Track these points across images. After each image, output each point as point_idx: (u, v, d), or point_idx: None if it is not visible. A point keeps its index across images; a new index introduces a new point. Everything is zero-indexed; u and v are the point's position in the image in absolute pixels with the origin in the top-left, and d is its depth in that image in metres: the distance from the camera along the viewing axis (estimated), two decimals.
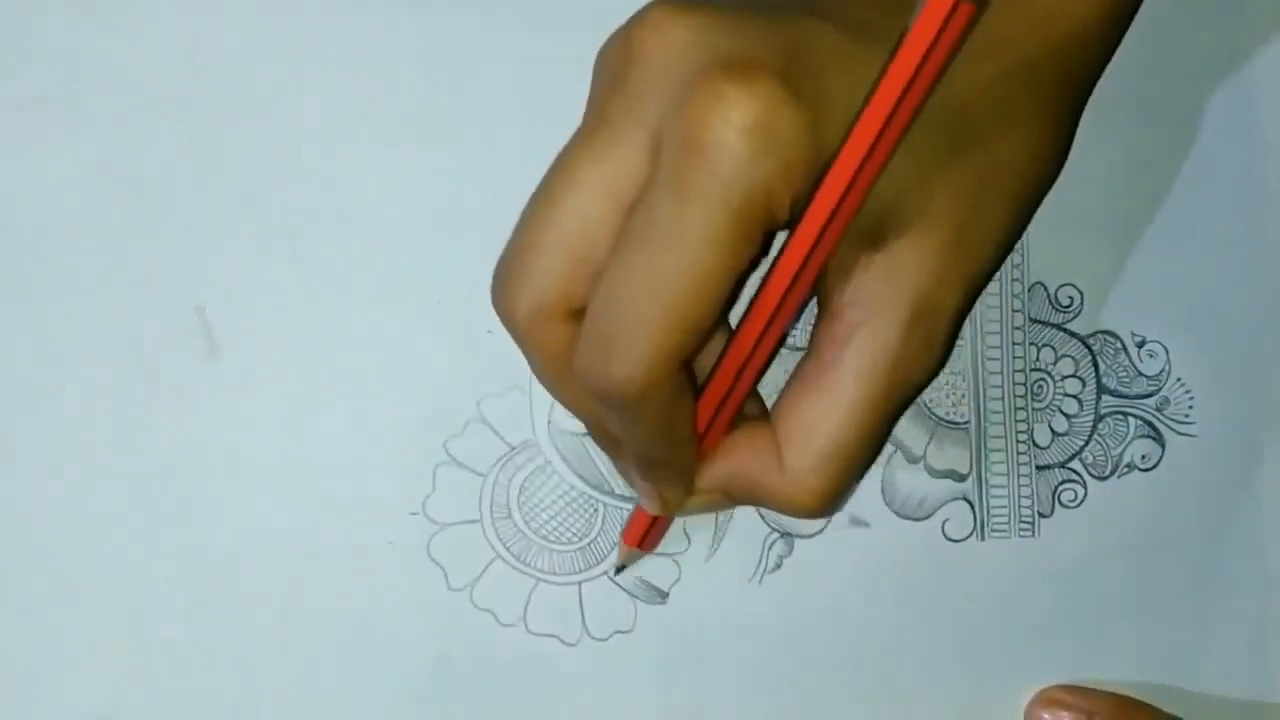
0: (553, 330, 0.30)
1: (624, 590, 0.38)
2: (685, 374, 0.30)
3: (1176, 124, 0.41)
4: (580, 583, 0.38)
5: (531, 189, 0.38)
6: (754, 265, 0.29)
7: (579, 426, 0.38)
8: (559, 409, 0.38)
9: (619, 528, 0.38)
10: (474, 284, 0.38)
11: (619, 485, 0.39)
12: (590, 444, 0.38)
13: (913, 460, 0.40)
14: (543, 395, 0.38)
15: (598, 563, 0.38)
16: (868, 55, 0.28)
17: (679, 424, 0.31)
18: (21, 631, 0.37)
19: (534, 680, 0.38)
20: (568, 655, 0.38)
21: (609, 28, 0.39)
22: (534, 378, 0.36)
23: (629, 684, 0.38)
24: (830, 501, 0.32)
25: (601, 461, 0.39)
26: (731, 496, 0.34)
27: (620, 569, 0.38)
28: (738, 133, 0.27)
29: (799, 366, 0.32)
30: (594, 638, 0.38)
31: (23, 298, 0.37)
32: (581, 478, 0.38)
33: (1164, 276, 0.41)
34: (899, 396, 0.31)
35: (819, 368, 0.32)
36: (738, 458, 0.33)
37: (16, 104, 0.37)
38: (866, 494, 0.39)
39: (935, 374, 0.32)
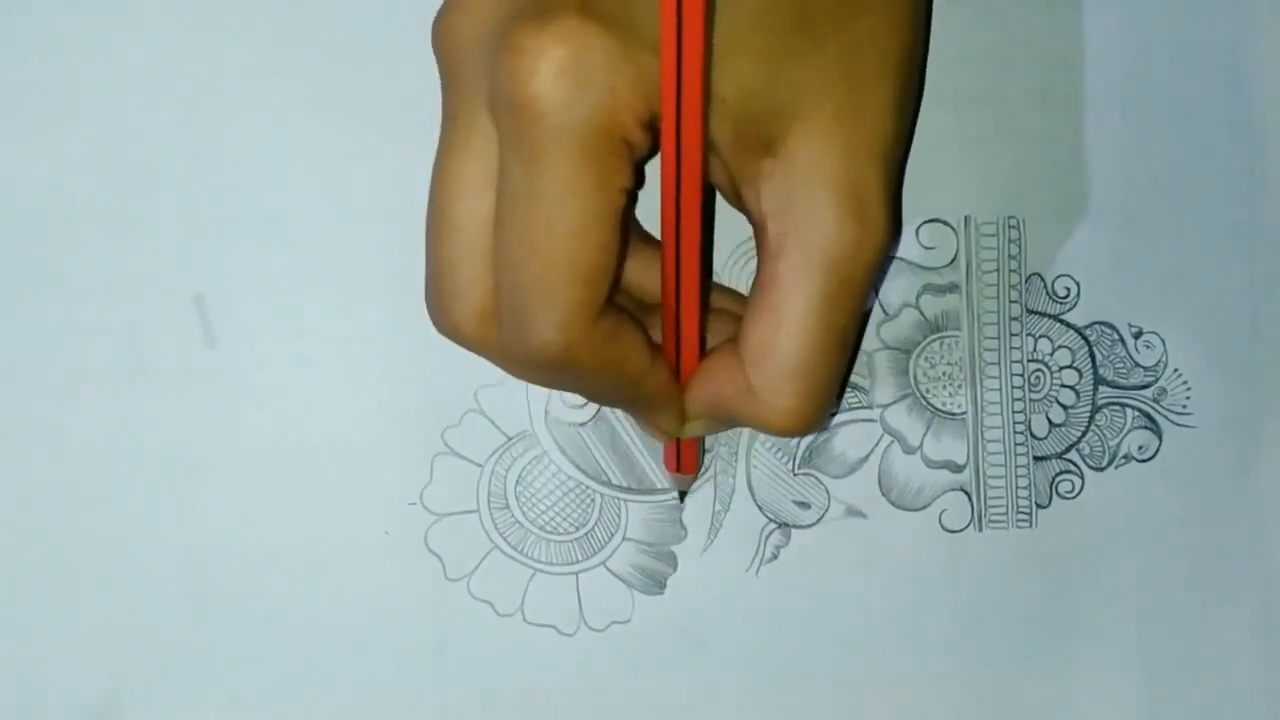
0: (475, 334, 0.32)
1: (621, 581, 0.38)
2: (613, 316, 0.30)
3: (1173, 114, 0.41)
4: (578, 573, 0.38)
5: None
6: (632, 194, 0.29)
7: (576, 417, 0.39)
8: (556, 399, 0.38)
9: (617, 518, 0.38)
10: None
11: (616, 475, 0.39)
12: (587, 434, 0.38)
13: (909, 451, 0.40)
14: (539, 387, 0.38)
15: (595, 553, 0.38)
16: None
17: (628, 362, 0.31)
18: (19, 621, 0.37)
19: (531, 670, 0.38)
20: (565, 645, 0.38)
21: None
22: None
23: (627, 674, 0.38)
24: (808, 418, 0.32)
25: (599, 452, 0.39)
26: (720, 420, 0.34)
27: (682, 495, 0.38)
28: (552, 79, 0.27)
29: (751, 290, 0.32)
30: (591, 628, 0.38)
31: (19, 287, 0.37)
32: (579, 468, 0.38)
33: (1161, 267, 0.41)
34: (845, 291, 0.31)
35: (760, 286, 0.31)
36: (712, 384, 0.33)
37: (13, 93, 0.37)
38: (863, 484, 0.39)
39: (879, 253, 0.31)
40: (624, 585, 0.38)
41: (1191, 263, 0.41)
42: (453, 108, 0.30)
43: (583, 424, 0.39)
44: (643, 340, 0.32)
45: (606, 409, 0.38)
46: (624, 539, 0.39)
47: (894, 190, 0.32)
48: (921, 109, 0.40)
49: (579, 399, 0.39)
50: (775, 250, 0.31)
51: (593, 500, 0.39)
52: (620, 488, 0.39)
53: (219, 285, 0.37)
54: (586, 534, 0.38)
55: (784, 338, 0.31)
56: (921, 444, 0.40)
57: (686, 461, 0.37)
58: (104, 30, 0.38)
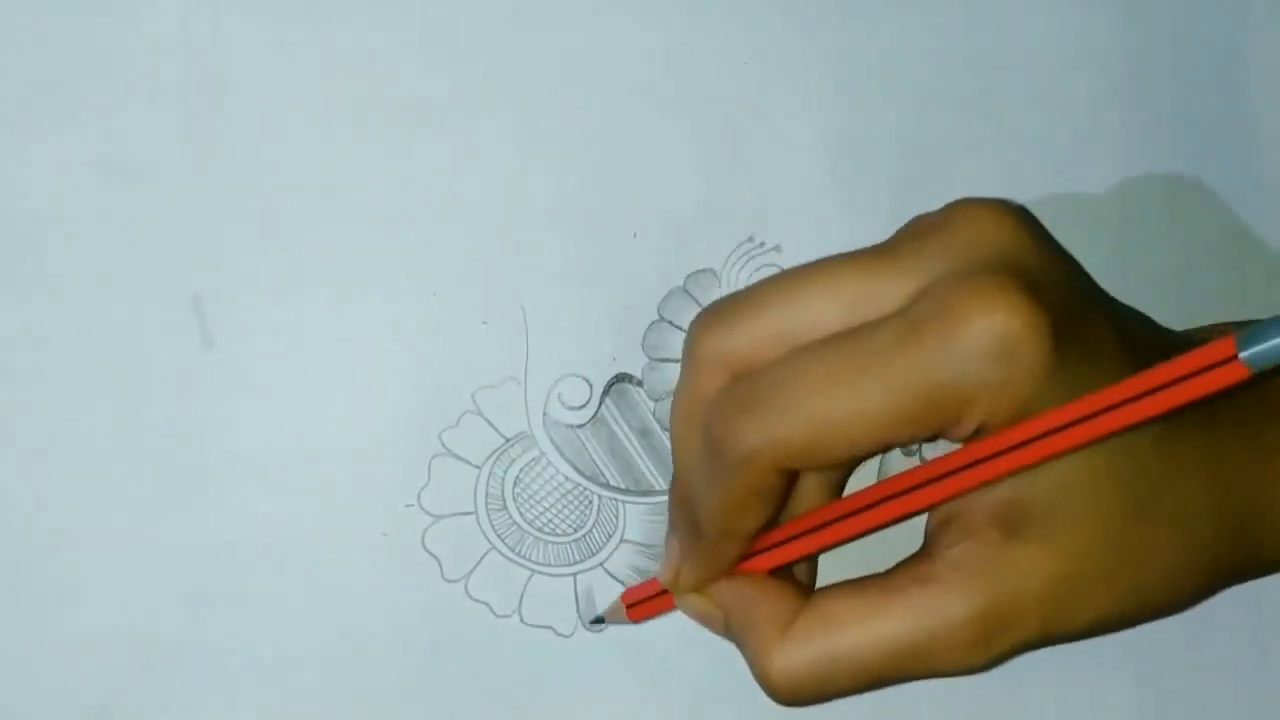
0: (716, 374, 0.31)
1: (619, 582, 0.38)
2: (783, 489, 0.30)
3: (1171, 115, 0.41)
4: (575, 574, 0.38)
5: (527, 181, 0.39)
6: (907, 444, 0.29)
7: (574, 419, 0.39)
8: (554, 401, 0.38)
9: (614, 519, 0.38)
10: (469, 275, 0.38)
11: (614, 477, 0.39)
12: (585, 436, 0.38)
13: (909, 452, 0.40)
14: (538, 387, 0.38)
15: (593, 554, 0.38)
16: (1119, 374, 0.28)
17: (746, 518, 0.31)
18: (17, 623, 0.37)
19: (529, 672, 0.38)
20: (563, 647, 0.38)
21: (604, 20, 0.39)
22: (528, 370, 0.36)
23: (624, 676, 0.38)
24: (796, 690, 0.31)
25: (597, 454, 0.39)
26: (726, 622, 0.33)
27: (598, 621, 0.38)
28: (992, 328, 0.27)
29: (879, 574, 0.32)
30: (589, 630, 0.38)
31: (17, 288, 0.37)
32: (576, 469, 0.38)
33: (1159, 267, 0.40)
34: (917, 667, 0.31)
35: (886, 585, 0.31)
36: (758, 594, 0.32)
37: (11, 94, 0.37)
38: (863, 485, 0.39)
39: (957, 673, 0.31)
40: (622, 587, 0.38)
41: (1189, 264, 0.41)
42: (900, 248, 0.30)
43: (580, 426, 0.38)
44: (763, 525, 0.32)
45: (605, 410, 0.38)
46: (622, 540, 0.38)
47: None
48: (920, 108, 0.40)
49: (577, 400, 0.38)
50: (918, 579, 0.30)
51: (590, 502, 0.39)
52: (618, 489, 0.39)
53: (216, 286, 0.37)
54: (584, 535, 0.38)
55: (861, 632, 0.30)
56: (920, 446, 0.40)
57: (645, 611, 0.36)
58: (104, 30, 0.37)
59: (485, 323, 0.38)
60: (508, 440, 0.38)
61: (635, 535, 0.38)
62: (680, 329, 0.39)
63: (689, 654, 0.39)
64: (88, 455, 0.37)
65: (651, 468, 0.39)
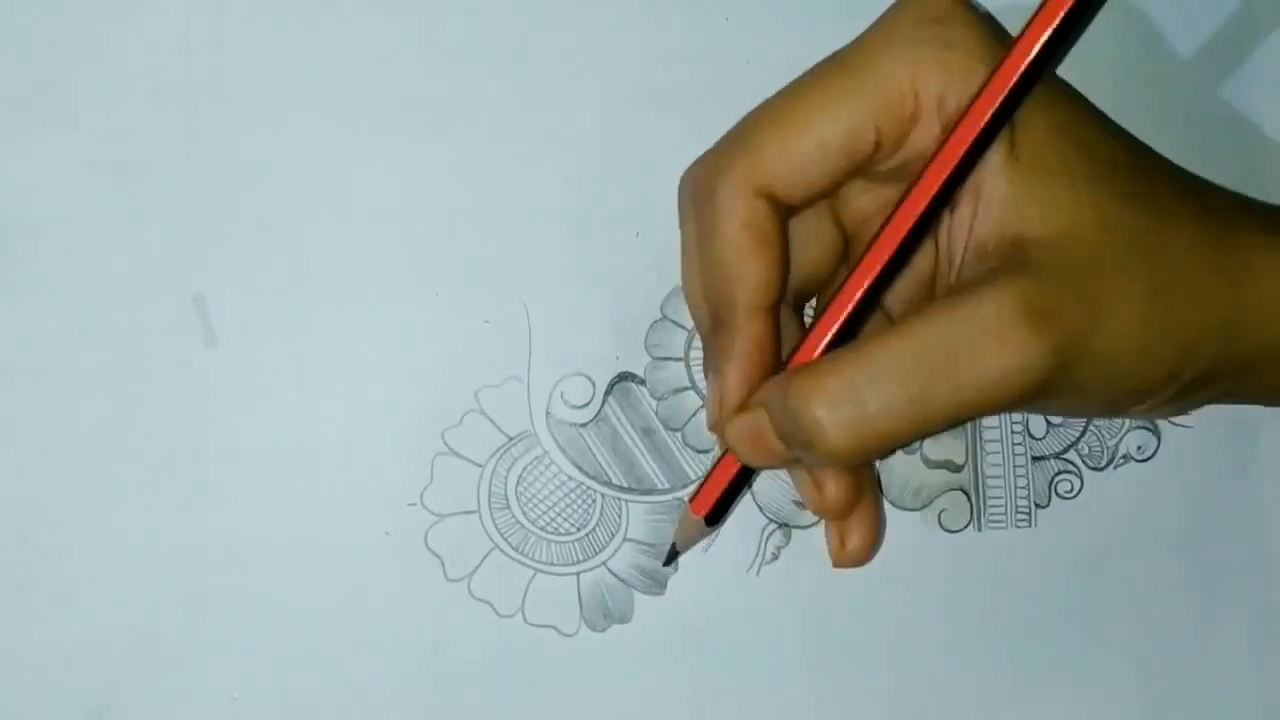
0: (758, 205, 0.32)
1: (622, 581, 0.38)
2: (776, 228, 0.32)
3: (1175, 115, 0.41)
4: (578, 574, 0.38)
5: (530, 181, 0.39)
6: (874, 151, 0.32)
7: (577, 417, 0.39)
8: (556, 399, 0.38)
9: (617, 518, 0.38)
10: (472, 274, 0.38)
11: (617, 476, 0.39)
12: (588, 435, 0.38)
13: (909, 451, 0.40)
14: (541, 385, 0.38)
15: (596, 553, 0.38)
16: None
17: (754, 263, 0.32)
18: (17, 623, 0.37)
19: (532, 671, 0.38)
20: (566, 646, 0.38)
21: (605, 20, 0.39)
22: (531, 369, 0.36)
23: (627, 675, 0.38)
24: (853, 431, 0.30)
25: (600, 452, 0.39)
26: (776, 424, 0.32)
27: (673, 557, 0.37)
28: (922, 11, 0.31)
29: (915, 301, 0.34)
30: (592, 629, 0.38)
31: (20, 287, 0.37)
32: (580, 468, 0.38)
33: None
34: (970, 372, 0.29)
35: (914, 312, 0.31)
36: (788, 374, 0.31)
37: (13, 93, 0.37)
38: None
39: (1016, 381, 0.30)
40: (625, 586, 0.38)
41: None
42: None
43: (584, 424, 0.38)
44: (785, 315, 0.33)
45: (607, 409, 0.38)
46: (625, 539, 0.38)
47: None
48: None
49: (580, 399, 0.38)
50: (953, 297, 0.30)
51: (594, 501, 0.39)
52: (621, 488, 0.39)
53: (218, 285, 0.37)
54: (587, 534, 0.38)
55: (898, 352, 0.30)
56: (920, 444, 0.40)
57: (704, 500, 0.34)
58: (104, 30, 0.37)
59: (488, 322, 0.38)
60: (511, 439, 0.38)
61: (638, 534, 0.38)
62: (683, 327, 0.39)
63: (690, 654, 0.39)
64: (89, 455, 0.37)
65: (654, 466, 0.39)
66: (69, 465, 0.37)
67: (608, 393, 0.39)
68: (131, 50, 0.37)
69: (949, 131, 0.31)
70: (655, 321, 0.39)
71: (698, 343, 0.39)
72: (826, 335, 0.32)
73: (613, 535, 0.38)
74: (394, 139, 0.38)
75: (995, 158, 0.31)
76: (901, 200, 0.31)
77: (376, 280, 0.38)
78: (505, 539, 0.38)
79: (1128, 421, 0.41)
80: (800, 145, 0.31)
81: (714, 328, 0.33)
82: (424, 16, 0.39)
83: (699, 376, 0.39)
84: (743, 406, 0.33)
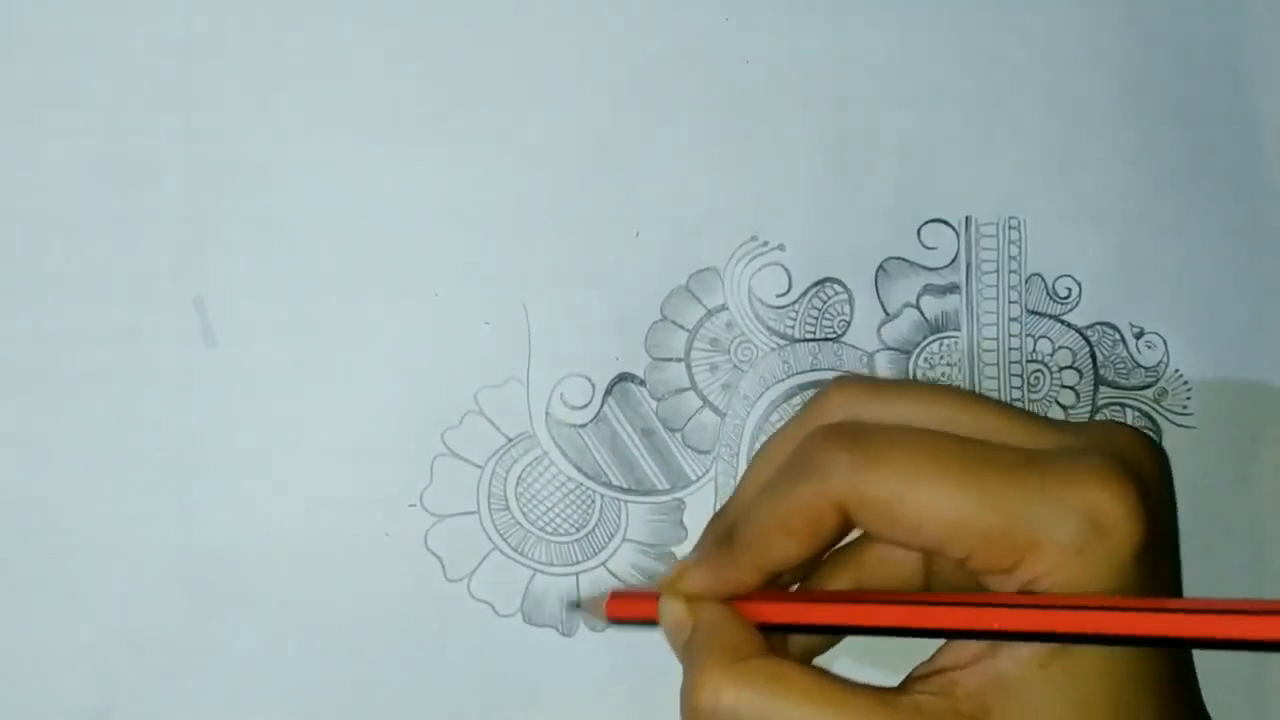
0: (835, 418, 0.30)
1: (622, 581, 0.38)
2: (828, 536, 0.29)
3: (1174, 115, 0.41)
4: (578, 574, 0.38)
5: (529, 182, 0.39)
6: (956, 568, 0.29)
7: (576, 419, 0.39)
8: (556, 400, 0.38)
9: (616, 519, 0.38)
10: (470, 276, 0.38)
11: (616, 477, 0.39)
12: (588, 436, 0.38)
13: None
14: (540, 386, 0.38)
15: (595, 554, 0.38)
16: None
17: (783, 541, 0.30)
18: (18, 623, 0.37)
19: (531, 672, 0.38)
20: (565, 647, 0.38)
21: (606, 21, 0.39)
22: (531, 370, 0.36)
23: (626, 676, 0.38)
24: (713, 707, 0.30)
25: (599, 453, 0.39)
26: (690, 639, 0.32)
27: (575, 606, 0.37)
28: (1099, 502, 0.28)
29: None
30: (591, 629, 0.38)
31: (20, 287, 0.37)
32: (579, 469, 0.38)
33: (1162, 267, 0.41)
34: None
35: (850, 687, 0.30)
36: (734, 626, 0.31)
37: (14, 94, 0.37)
38: None
39: None
40: (624, 586, 0.38)
41: (1193, 264, 0.41)
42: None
43: (583, 425, 0.38)
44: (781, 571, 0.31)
45: (607, 410, 0.38)
46: (624, 540, 0.39)
47: None
48: (923, 108, 0.40)
49: (579, 399, 0.39)
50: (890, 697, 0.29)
51: (593, 501, 0.39)
52: (620, 489, 0.39)
53: (219, 287, 0.37)
54: (587, 535, 0.38)
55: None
56: None
57: (618, 607, 0.33)
58: (105, 31, 0.37)
59: (487, 323, 0.38)
60: (510, 440, 0.38)
61: (637, 535, 0.38)
62: (683, 328, 0.39)
63: None
64: (90, 455, 0.37)
65: (654, 467, 0.39)
66: (69, 465, 0.37)
67: (607, 393, 0.39)
68: (132, 51, 0.37)
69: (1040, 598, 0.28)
70: (655, 322, 0.39)
71: (698, 343, 0.39)
72: (785, 620, 0.31)
73: (612, 536, 0.38)
74: (394, 140, 0.38)
75: (1035, 653, 0.29)
76: (951, 599, 0.29)
77: (376, 281, 0.38)
78: (505, 540, 0.38)
79: (1130, 422, 0.40)
80: (903, 519, 0.29)
81: (733, 532, 0.32)
82: (424, 18, 0.39)
83: (699, 377, 0.39)
84: (695, 598, 0.32)
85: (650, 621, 0.32)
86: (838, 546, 0.30)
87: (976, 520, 0.28)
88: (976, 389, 0.40)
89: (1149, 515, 0.28)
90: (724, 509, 0.32)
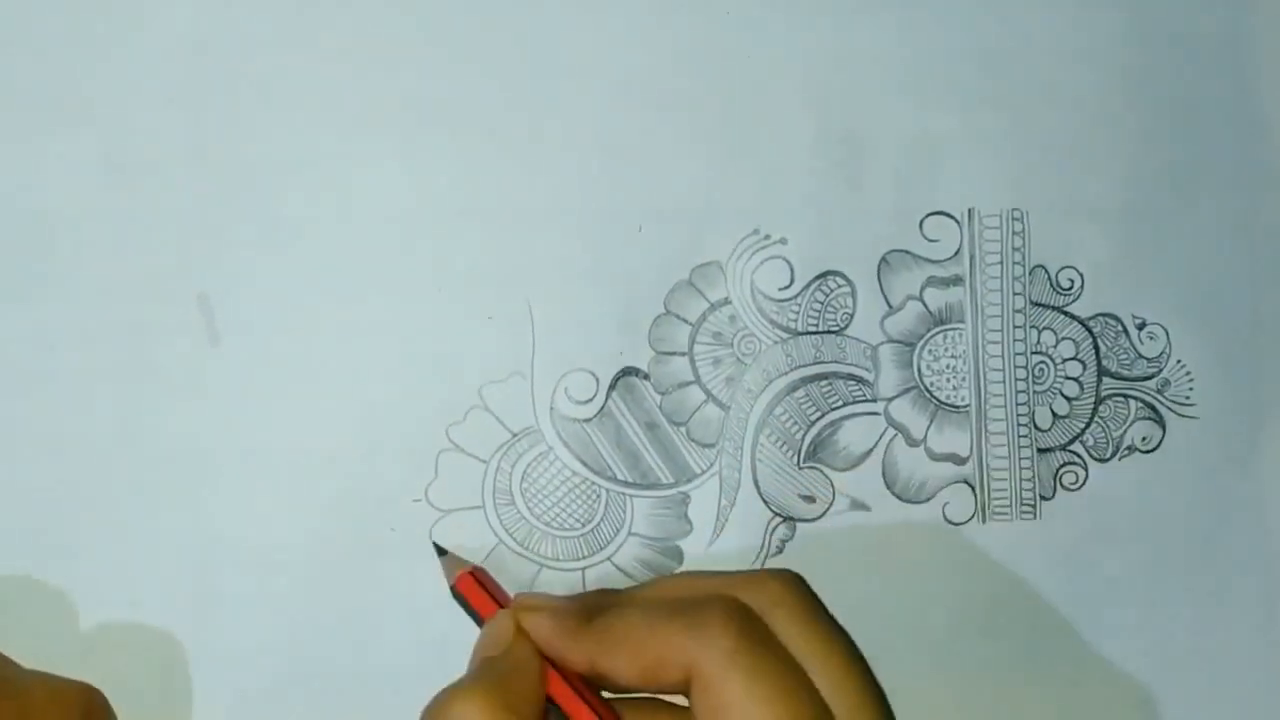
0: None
1: (628, 576, 0.38)
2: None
3: (1176, 107, 0.41)
4: (584, 569, 0.38)
5: (533, 177, 0.39)
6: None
7: (581, 413, 0.39)
8: (560, 395, 0.38)
9: (621, 513, 0.39)
10: (474, 271, 0.38)
11: (621, 471, 0.39)
12: (592, 430, 0.38)
13: (913, 444, 0.40)
14: (544, 381, 0.38)
15: (601, 548, 0.38)
16: None
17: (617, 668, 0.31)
18: (19, 623, 0.37)
19: None
20: None
21: (608, 17, 0.39)
22: (535, 365, 0.36)
23: None
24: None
25: (604, 447, 0.39)
26: (488, 656, 0.33)
27: (442, 551, 0.36)
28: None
29: None
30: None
31: (25, 286, 0.37)
32: (584, 464, 0.39)
33: (1164, 258, 0.41)
34: None
35: None
36: (530, 668, 0.32)
37: (22, 93, 0.37)
38: (867, 478, 0.39)
39: None
40: (630, 580, 0.38)
41: (1196, 255, 0.41)
42: None
43: (588, 420, 0.39)
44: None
45: (611, 404, 0.39)
46: (629, 534, 0.39)
47: None
48: (926, 103, 0.40)
49: (583, 394, 0.39)
50: None
51: (598, 496, 0.39)
52: (625, 483, 0.39)
53: (222, 284, 0.37)
54: (592, 529, 0.39)
55: None
56: (925, 437, 0.40)
57: (467, 584, 0.34)
58: (106, 30, 0.37)
59: (491, 318, 0.38)
60: (515, 435, 0.38)
61: (643, 529, 0.39)
62: (686, 322, 0.39)
63: None
64: (94, 453, 0.37)
65: (659, 461, 0.39)
66: (74, 463, 0.37)
67: (611, 387, 0.39)
68: (139, 50, 0.37)
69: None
70: (659, 316, 0.39)
71: (701, 337, 0.39)
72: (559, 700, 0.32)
73: (617, 530, 0.39)
74: (399, 138, 0.38)
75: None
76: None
77: (381, 278, 0.38)
78: (510, 534, 0.38)
79: (1133, 413, 0.40)
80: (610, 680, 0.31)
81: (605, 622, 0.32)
82: (429, 17, 0.39)
83: (703, 370, 0.39)
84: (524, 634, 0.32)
85: (477, 615, 0.33)
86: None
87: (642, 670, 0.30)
88: (981, 380, 0.40)
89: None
90: (615, 595, 0.32)
